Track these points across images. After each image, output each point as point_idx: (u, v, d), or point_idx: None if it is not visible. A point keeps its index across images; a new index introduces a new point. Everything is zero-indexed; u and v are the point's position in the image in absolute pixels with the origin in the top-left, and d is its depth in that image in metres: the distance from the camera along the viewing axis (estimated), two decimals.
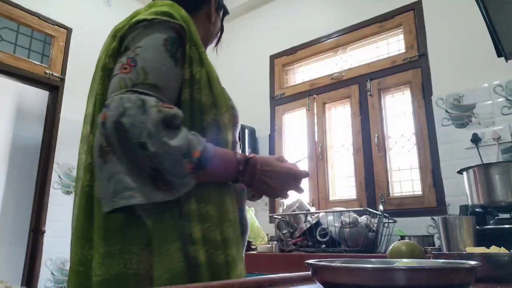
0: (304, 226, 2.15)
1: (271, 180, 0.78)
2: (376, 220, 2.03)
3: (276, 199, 0.93)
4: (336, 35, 2.92)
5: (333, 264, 0.45)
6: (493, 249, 0.76)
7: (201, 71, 0.76)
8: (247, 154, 0.79)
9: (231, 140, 0.81)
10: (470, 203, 1.51)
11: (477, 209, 1.47)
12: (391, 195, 2.44)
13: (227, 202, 0.75)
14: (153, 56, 0.71)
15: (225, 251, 0.71)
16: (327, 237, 2.05)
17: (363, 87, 2.69)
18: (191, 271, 0.67)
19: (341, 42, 2.90)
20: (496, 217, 1.42)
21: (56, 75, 2.71)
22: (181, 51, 0.75)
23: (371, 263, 0.51)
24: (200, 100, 0.75)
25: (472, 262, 0.44)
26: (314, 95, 2.93)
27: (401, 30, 2.63)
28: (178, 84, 0.74)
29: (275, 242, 2.27)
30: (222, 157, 0.73)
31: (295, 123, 3.06)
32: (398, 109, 2.58)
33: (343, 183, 2.72)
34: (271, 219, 2.59)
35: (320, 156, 2.80)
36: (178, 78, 0.74)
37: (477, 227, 1.21)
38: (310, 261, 0.48)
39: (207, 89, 0.76)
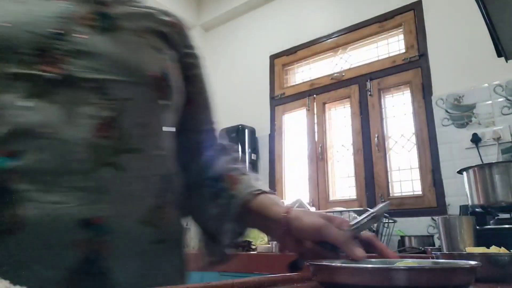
0: None
1: None
2: None
3: None
4: (336, 35, 2.92)
5: (333, 264, 0.45)
6: (493, 249, 0.76)
7: None
8: None
9: None
10: (470, 203, 1.51)
11: (477, 209, 1.47)
12: (391, 195, 2.44)
13: None
14: None
15: None
16: None
17: (363, 87, 2.69)
18: None
19: (341, 42, 2.90)
20: (496, 217, 1.42)
21: None
22: None
23: (371, 263, 0.51)
24: None
25: (472, 262, 0.44)
26: (314, 95, 2.93)
27: (401, 30, 2.63)
28: None
29: (275, 242, 2.27)
30: None
31: (295, 123, 3.06)
32: (398, 109, 2.58)
33: (343, 183, 2.72)
34: None
35: (320, 156, 2.80)
36: None
37: (477, 227, 1.21)
38: (310, 261, 0.48)
39: None
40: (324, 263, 0.45)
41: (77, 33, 0.55)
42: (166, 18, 0.70)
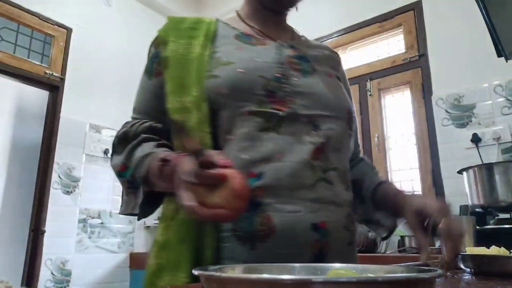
0: None
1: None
2: None
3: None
4: (336, 35, 2.92)
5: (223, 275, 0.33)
6: (493, 249, 0.76)
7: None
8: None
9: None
10: (470, 203, 1.51)
11: (477, 209, 1.47)
12: None
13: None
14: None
15: None
16: None
17: (363, 87, 2.69)
18: None
19: (341, 42, 2.90)
20: (496, 217, 1.42)
21: (56, 75, 2.71)
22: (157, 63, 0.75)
23: (291, 272, 0.43)
24: None
25: (431, 271, 0.33)
26: None
27: (401, 30, 2.63)
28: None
29: None
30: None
31: None
32: (398, 109, 2.58)
33: None
34: None
35: None
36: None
37: (477, 227, 1.21)
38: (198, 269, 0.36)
39: None
40: (211, 273, 0.34)
41: (292, 77, 0.71)
42: (335, 56, 0.89)
